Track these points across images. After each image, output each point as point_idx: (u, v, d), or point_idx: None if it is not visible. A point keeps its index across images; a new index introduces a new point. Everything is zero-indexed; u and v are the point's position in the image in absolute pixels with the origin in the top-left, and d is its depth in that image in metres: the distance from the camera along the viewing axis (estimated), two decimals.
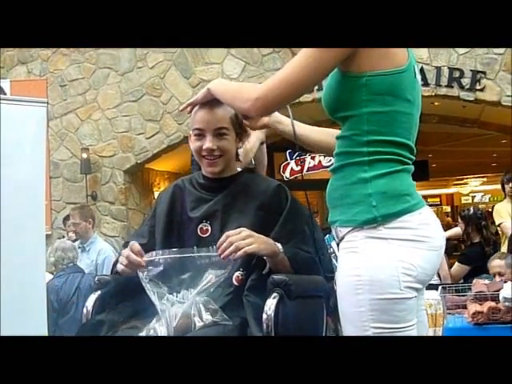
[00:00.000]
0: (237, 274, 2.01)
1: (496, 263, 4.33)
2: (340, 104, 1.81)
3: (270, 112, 1.89)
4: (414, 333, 1.74)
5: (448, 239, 5.24)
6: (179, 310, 1.87)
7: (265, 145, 2.49)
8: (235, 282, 2.00)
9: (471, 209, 5.53)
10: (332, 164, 1.87)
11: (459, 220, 5.54)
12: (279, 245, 1.99)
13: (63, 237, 5.84)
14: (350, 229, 1.75)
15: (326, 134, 2.09)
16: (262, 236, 1.97)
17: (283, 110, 2.00)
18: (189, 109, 2.10)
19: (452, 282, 5.09)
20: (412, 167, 1.83)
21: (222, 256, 1.88)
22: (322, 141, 2.11)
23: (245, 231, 1.93)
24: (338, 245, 1.84)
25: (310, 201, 2.20)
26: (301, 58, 1.77)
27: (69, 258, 4.87)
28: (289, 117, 2.09)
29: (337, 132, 1.89)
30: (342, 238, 1.79)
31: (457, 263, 5.22)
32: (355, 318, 1.73)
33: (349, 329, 1.77)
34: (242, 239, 1.89)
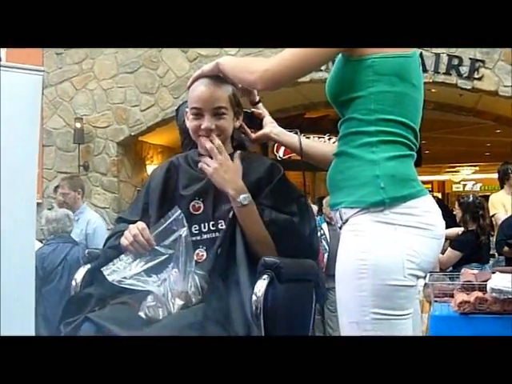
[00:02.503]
0: (197, 251, 2.01)
1: None
2: (345, 86, 1.80)
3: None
4: (409, 321, 1.75)
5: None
6: (174, 288, 1.88)
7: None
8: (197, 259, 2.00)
9: (470, 197, 5.51)
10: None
11: (456, 207, 5.51)
12: (246, 195, 1.98)
13: (52, 207, 5.80)
14: (357, 211, 1.74)
15: (331, 147, 2.07)
16: (235, 175, 2.01)
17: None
18: (189, 82, 2.08)
19: (443, 267, 5.09)
20: (415, 154, 1.83)
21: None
22: (327, 152, 2.06)
23: (221, 160, 2.01)
24: (340, 228, 1.82)
25: (301, 181, 2.19)
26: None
27: (62, 228, 4.83)
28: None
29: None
30: (346, 221, 1.77)
31: (450, 249, 5.20)
32: (355, 303, 1.72)
33: (345, 315, 1.76)
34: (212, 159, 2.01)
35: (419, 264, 1.72)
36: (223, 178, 2.00)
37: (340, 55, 1.83)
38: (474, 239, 5.23)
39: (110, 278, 1.93)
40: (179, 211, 1.99)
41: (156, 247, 1.96)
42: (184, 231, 1.95)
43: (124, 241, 1.98)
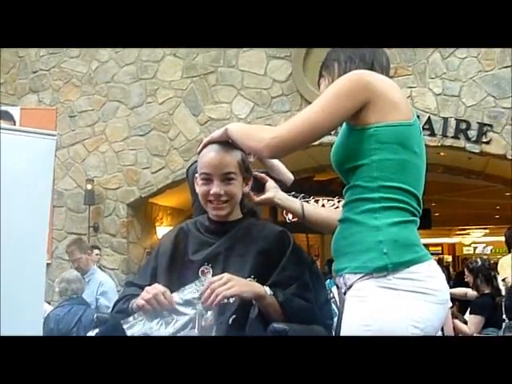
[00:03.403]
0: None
1: None
2: (349, 155, 1.84)
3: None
4: None
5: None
6: None
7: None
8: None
9: (478, 260, 5.48)
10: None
11: (466, 273, 5.46)
12: (267, 288, 1.98)
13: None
14: (360, 276, 1.74)
15: (334, 212, 2.10)
16: (244, 279, 1.97)
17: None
18: (200, 148, 2.11)
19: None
20: (419, 221, 1.84)
21: (204, 305, 1.89)
22: (330, 218, 2.09)
23: (226, 276, 1.93)
24: (344, 293, 1.82)
25: (310, 243, 2.20)
26: (318, 103, 1.80)
27: (72, 290, 4.84)
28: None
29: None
30: (350, 286, 1.77)
31: (471, 315, 5.12)
32: None
33: None
34: (223, 284, 1.90)
35: (423, 329, 1.70)
36: (245, 288, 1.96)
37: (344, 125, 1.87)
38: (490, 302, 5.17)
39: (128, 333, 1.92)
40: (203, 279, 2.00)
41: (176, 306, 1.96)
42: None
43: (139, 301, 1.95)
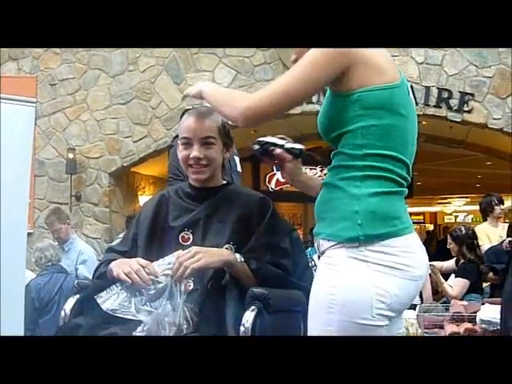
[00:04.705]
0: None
1: None
2: (334, 123, 1.80)
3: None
4: None
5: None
6: (165, 319, 1.88)
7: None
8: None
9: (462, 229, 5.53)
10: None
11: (450, 240, 5.51)
12: (238, 255, 2.00)
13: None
14: (332, 244, 1.73)
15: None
16: (213, 249, 2.00)
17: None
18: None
19: (457, 299, 5.07)
20: (406, 190, 1.81)
21: (174, 279, 1.92)
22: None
23: (193, 249, 1.96)
24: (318, 257, 1.81)
25: (293, 212, 2.20)
26: (293, 71, 1.77)
27: (46, 257, 4.85)
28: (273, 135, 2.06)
29: None
30: (323, 253, 1.77)
31: (458, 278, 5.18)
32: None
33: None
34: (191, 257, 1.92)
35: (389, 305, 1.68)
36: (212, 258, 1.98)
37: (328, 92, 1.83)
38: (475, 268, 5.24)
39: (103, 307, 1.94)
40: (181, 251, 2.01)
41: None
42: None
43: (120, 272, 1.98)
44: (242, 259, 2.00)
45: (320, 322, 1.72)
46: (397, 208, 1.77)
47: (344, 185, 1.75)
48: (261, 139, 2.01)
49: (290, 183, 2.09)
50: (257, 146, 1.99)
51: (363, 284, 1.68)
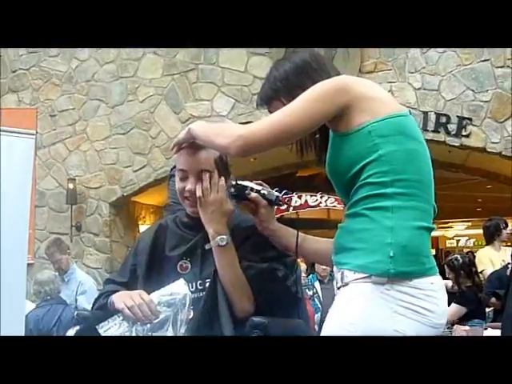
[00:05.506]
0: None
1: None
2: (351, 159, 1.74)
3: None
4: None
5: None
6: None
7: None
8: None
9: (458, 257, 5.51)
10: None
11: (448, 270, 5.49)
12: (225, 237, 2.00)
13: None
14: (359, 276, 1.67)
15: (325, 243, 2.01)
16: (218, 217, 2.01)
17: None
18: (175, 149, 2.09)
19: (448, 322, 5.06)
20: (434, 227, 1.77)
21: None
22: (320, 249, 2.04)
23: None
24: (338, 288, 1.76)
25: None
26: (292, 106, 1.75)
27: (46, 292, 4.85)
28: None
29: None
30: (346, 284, 1.70)
31: (455, 304, 5.18)
32: None
33: None
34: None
35: None
36: (209, 215, 2.00)
37: (332, 137, 1.80)
38: (473, 295, 5.23)
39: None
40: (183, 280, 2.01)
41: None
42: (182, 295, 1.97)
43: (123, 307, 1.97)
44: (228, 243, 2.01)
45: None
46: (426, 245, 1.74)
47: (375, 215, 1.69)
48: (238, 182, 2.03)
49: (263, 231, 2.06)
50: (232, 189, 2.02)
51: (383, 325, 1.64)
